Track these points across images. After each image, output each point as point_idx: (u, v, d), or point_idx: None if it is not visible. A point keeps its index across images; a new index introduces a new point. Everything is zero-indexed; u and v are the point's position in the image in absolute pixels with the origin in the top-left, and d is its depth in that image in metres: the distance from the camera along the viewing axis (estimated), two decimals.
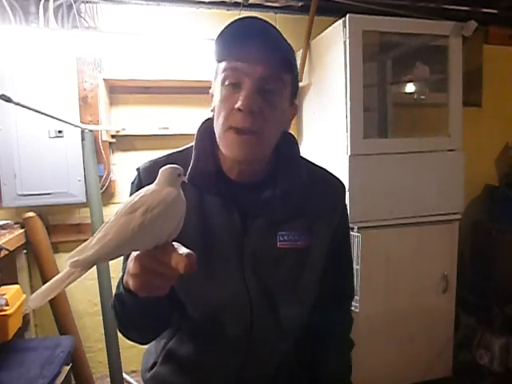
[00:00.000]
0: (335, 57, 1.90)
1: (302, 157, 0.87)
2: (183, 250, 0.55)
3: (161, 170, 0.60)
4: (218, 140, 0.76)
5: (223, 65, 0.73)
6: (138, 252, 0.56)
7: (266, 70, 0.71)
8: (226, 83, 0.72)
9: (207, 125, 0.83)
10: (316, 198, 0.84)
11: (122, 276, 0.68)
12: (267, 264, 0.80)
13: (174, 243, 0.57)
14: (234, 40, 0.70)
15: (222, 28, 0.73)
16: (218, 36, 0.72)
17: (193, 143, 0.83)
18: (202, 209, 0.79)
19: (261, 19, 0.70)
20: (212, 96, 0.80)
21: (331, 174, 0.90)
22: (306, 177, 0.83)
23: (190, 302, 0.79)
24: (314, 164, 0.90)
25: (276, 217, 0.80)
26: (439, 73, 2.11)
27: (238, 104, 0.70)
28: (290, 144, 0.84)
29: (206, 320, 0.80)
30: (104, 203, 2.04)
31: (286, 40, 0.72)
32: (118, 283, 0.72)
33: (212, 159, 0.80)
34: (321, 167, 0.90)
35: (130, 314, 0.72)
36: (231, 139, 0.72)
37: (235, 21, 0.70)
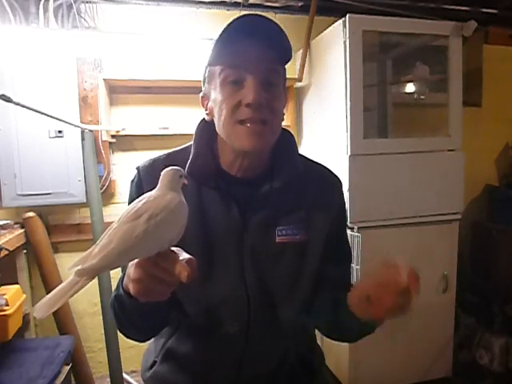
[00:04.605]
0: (335, 57, 1.90)
1: (298, 153, 0.87)
2: (184, 256, 0.55)
3: (162, 173, 0.59)
4: (225, 137, 0.76)
5: (220, 65, 0.72)
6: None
7: (266, 64, 0.72)
8: (227, 81, 0.72)
9: (205, 123, 0.83)
10: (313, 192, 0.85)
11: (122, 277, 0.68)
12: (266, 259, 0.80)
13: (174, 248, 0.57)
14: (230, 40, 0.70)
15: (218, 35, 0.72)
16: (214, 42, 0.72)
17: (192, 142, 0.83)
18: (201, 203, 0.79)
19: (255, 15, 0.70)
20: (205, 100, 0.80)
21: (327, 168, 0.91)
22: (303, 172, 0.83)
23: (187, 299, 0.79)
24: (310, 160, 0.90)
25: (274, 211, 0.81)
26: (439, 73, 2.10)
27: (246, 100, 0.70)
28: (287, 140, 0.85)
29: (204, 317, 0.80)
30: (104, 203, 2.04)
31: (281, 30, 0.71)
32: (118, 284, 0.72)
33: (211, 156, 0.81)
34: (317, 162, 0.91)
35: (129, 315, 0.72)
36: (243, 130, 0.72)
37: (229, 24, 0.69)
